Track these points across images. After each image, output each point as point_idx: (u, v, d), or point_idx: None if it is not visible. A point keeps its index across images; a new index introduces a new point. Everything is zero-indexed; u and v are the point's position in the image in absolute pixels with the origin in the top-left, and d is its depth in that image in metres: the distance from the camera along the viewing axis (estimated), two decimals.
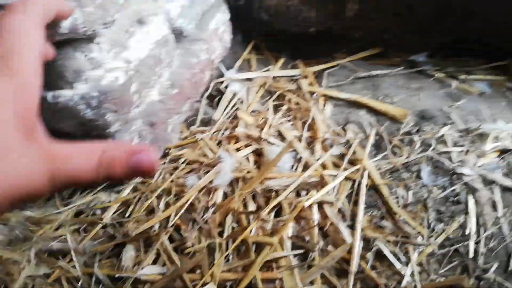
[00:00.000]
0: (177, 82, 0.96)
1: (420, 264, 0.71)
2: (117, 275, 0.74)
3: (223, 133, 1.00)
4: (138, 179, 0.90)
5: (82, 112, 0.75)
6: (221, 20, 1.17)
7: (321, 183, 0.84)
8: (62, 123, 0.81)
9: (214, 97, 1.13)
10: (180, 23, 0.97)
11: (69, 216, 0.85)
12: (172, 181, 0.87)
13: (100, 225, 0.81)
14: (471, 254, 0.72)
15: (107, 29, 0.74)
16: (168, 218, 0.80)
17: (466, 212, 0.77)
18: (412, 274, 0.69)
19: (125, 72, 0.78)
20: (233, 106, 1.08)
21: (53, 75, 0.72)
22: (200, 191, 0.84)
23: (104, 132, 0.81)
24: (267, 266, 0.73)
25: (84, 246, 0.80)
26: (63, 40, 0.67)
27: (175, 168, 0.91)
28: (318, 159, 0.89)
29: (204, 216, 0.80)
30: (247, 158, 0.92)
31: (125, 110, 0.81)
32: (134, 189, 0.88)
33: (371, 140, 0.92)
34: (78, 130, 0.81)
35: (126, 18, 0.79)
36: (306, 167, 0.88)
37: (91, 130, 0.80)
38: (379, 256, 0.72)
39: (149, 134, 0.89)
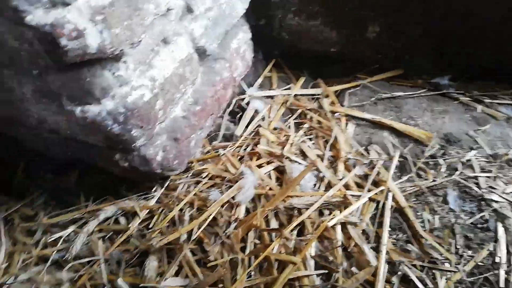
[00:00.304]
0: (200, 99, 0.97)
1: None
2: (141, 285, 0.73)
3: (245, 149, 1.00)
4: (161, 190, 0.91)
5: (109, 127, 0.77)
6: (243, 39, 1.19)
7: (344, 203, 0.83)
8: (90, 136, 0.82)
9: (236, 114, 1.14)
10: (204, 42, 0.99)
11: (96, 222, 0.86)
12: (195, 194, 0.87)
13: (127, 234, 0.82)
14: (501, 284, 0.70)
15: (133, 48, 0.76)
16: (191, 231, 0.80)
17: (495, 239, 0.75)
18: None
19: (150, 89, 0.80)
20: (255, 123, 1.09)
21: (81, 92, 0.74)
22: (222, 206, 0.85)
23: (130, 147, 0.82)
24: (289, 284, 0.72)
25: (111, 254, 0.80)
26: (90, 60, 0.69)
27: (198, 182, 0.91)
28: (341, 179, 0.88)
29: (227, 231, 0.80)
30: (269, 175, 0.92)
31: (150, 125, 0.83)
32: (158, 201, 0.89)
33: (395, 161, 0.92)
34: (105, 144, 0.82)
35: (151, 38, 0.81)
36: (329, 186, 0.88)
37: (117, 144, 0.81)
38: (405, 280, 0.71)
39: (173, 148, 0.90)
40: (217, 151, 1.01)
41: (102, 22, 0.66)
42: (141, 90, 0.78)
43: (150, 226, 0.85)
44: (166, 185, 0.93)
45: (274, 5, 1.25)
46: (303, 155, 0.96)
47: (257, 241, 0.79)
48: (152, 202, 0.89)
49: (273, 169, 0.93)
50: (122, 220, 0.89)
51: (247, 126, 1.09)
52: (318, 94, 1.19)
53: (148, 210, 0.87)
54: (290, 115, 1.12)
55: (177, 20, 0.89)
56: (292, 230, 0.79)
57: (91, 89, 0.73)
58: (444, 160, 0.92)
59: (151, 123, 0.82)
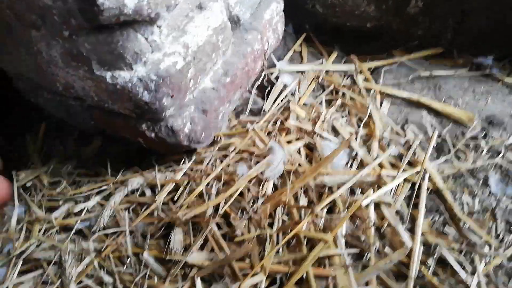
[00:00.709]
0: (230, 70, 0.97)
1: (487, 276, 0.68)
2: (167, 258, 0.76)
3: (273, 125, 1.00)
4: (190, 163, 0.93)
5: (140, 95, 0.78)
6: (276, 10, 1.18)
7: (378, 183, 0.83)
8: (118, 104, 0.84)
9: (264, 88, 1.14)
10: (238, 10, 0.99)
11: (122, 194, 0.88)
12: (222, 169, 0.88)
13: (152, 207, 0.84)
14: None
15: (169, 12, 0.76)
16: (217, 205, 0.82)
17: None
18: (478, 285, 0.67)
19: (183, 57, 0.81)
20: (284, 97, 1.08)
21: (113, 56, 0.75)
22: (250, 181, 0.86)
23: (159, 117, 0.83)
24: (319, 262, 0.72)
25: (136, 226, 0.82)
26: (125, 21, 0.69)
27: (225, 156, 0.92)
28: (375, 158, 0.88)
29: (254, 206, 0.81)
30: (299, 152, 0.92)
31: (181, 95, 0.84)
32: (184, 174, 0.91)
33: (433, 141, 0.90)
34: (133, 112, 0.84)
35: (187, 2, 0.81)
36: (361, 165, 0.88)
37: (146, 113, 0.82)
38: (442, 263, 0.71)
39: (201, 120, 0.91)
40: (244, 126, 1.02)
41: None
42: (174, 57, 0.79)
43: (176, 199, 0.87)
44: (192, 158, 0.94)
45: None
46: (335, 132, 0.96)
47: (285, 218, 0.80)
48: (178, 175, 0.91)
49: (303, 146, 0.93)
50: (148, 192, 0.91)
51: (275, 101, 1.08)
52: (352, 71, 1.17)
53: (174, 183, 0.89)
54: (321, 91, 1.12)
55: None
56: (322, 209, 0.79)
57: (123, 54, 0.74)
58: (485, 142, 0.90)
59: (181, 92, 0.83)
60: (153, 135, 0.88)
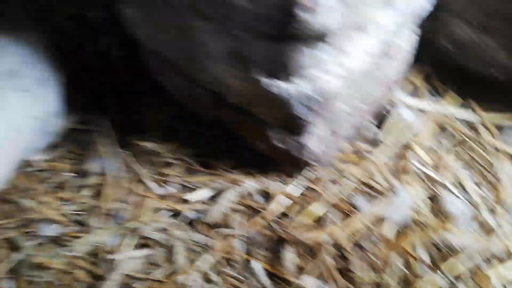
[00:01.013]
0: (365, 97, 0.93)
1: None
2: (284, 277, 0.74)
3: (391, 160, 0.96)
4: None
5: (292, 107, 0.75)
6: (410, 39, 1.11)
7: (504, 256, 0.77)
8: (262, 108, 0.81)
9: (381, 117, 1.09)
10: (389, 37, 0.93)
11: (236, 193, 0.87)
12: (340, 197, 0.85)
13: (264, 215, 0.82)
14: None
15: (337, 30, 0.72)
16: (333, 233, 0.79)
17: None
18: None
19: (340, 79, 0.77)
20: (402, 132, 1.03)
21: (275, 64, 0.72)
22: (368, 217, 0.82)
23: (301, 131, 0.81)
24: None
25: (248, 231, 0.81)
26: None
27: (339, 180, 0.89)
28: (501, 226, 0.82)
29: (373, 246, 0.77)
30: (422, 199, 0.87)
31: (325, 114, 0.80)
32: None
33: None
34: (279, 122, 0.81)
35: (351, 22, 0.77)
36: (486, 229, 0.82)
37: (291, 126, 0.80)
38: None
39: (328, 141, 0.88)
40: (357, 152, 0.98)
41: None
42: (331, 77, 0.75)
43: (287, 214, 0.84)
44: (306, 175, 0.91)
45: (445, 8, 1.15)
46: (461, 186, 0.90)
47: (403, 268, 0.76)
48: (291, 189, 0.88)
49: (426, 193, 0.88)
50: (258, 198, 0.89)
51: (392, 134, 1.03)
52: (474, 119, 1.10)
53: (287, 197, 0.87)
54: (442, 136, 1.05)
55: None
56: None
57: (286, 64, 0.71)
58: None
59: (326, 112, 0.80)
60: (280, 144, 0.86)
